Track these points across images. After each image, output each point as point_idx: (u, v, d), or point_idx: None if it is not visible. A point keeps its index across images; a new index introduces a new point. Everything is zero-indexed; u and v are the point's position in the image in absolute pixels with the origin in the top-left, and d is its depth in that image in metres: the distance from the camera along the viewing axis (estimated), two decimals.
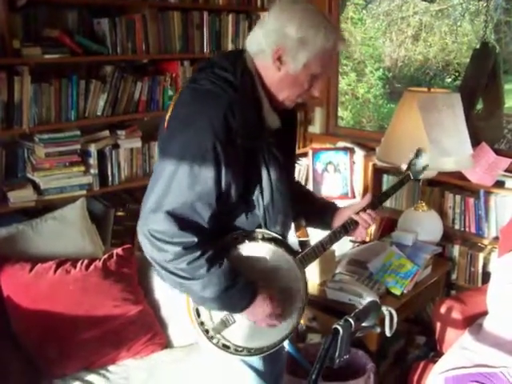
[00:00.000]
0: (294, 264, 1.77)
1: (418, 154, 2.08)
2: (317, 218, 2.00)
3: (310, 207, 2.01)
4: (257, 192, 1.67)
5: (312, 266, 1.89)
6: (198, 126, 1.53)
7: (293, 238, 1.86)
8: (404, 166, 2.09)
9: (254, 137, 1.61)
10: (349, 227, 1.91)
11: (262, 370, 1.81)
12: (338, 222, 1.94)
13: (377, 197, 2.01)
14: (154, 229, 1.52)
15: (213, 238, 1.62)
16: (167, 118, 1.68)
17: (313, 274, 2.62)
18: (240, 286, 1.60)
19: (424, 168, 2.10)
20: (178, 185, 1.52)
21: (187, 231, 1.52)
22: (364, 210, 1.91)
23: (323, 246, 1.86)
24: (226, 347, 1.69)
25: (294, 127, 1.95)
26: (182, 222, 1.52)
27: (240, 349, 1.70)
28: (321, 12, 1.66)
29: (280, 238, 1.76)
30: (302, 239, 1.87)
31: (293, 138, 1.96)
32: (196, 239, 1.53)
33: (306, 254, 1.81)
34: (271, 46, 1.60)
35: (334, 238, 1.89)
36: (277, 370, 1.96)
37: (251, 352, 1.73)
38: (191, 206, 1.53)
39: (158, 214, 1.52)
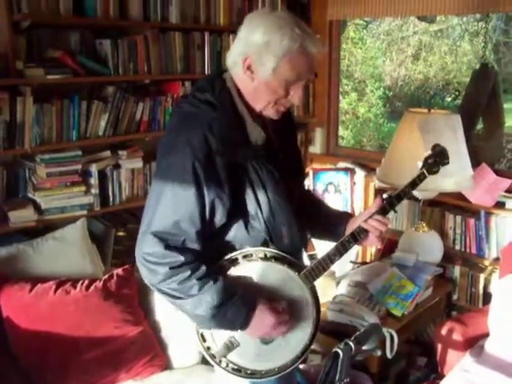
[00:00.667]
0: (299, 280, 1.71)
1: (435, 150, 1.89)
2: (330, 227, 1.91)
3: (322, 217, 1.95)
4: (255, 207, 1.65)
5: None
6: (178, 148, 1.57)
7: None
8: (420, 164, 1.90)
9: (238, 153, 1.61)
10: (358, 236, 1.78)
11: None
12: (350, 231, 1.81)
13: (387, 201, 1.83)
14: (144, 251, 1.57)
15: (212, 258, 1.63)
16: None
17: None
18: (234, 302, 1.59)
19: (443, 163, 1.90)
20: (162, 206, 1.57)
21: (173, 251, 1.55)
22: (371, 216, 1.78)
23: (330, 258, 1.75)
24: (237, 371, 1.67)
25: (292, 133, 1.94)
26: (168, 242, 1.56)
27: (250, 371, 1.67)
28: (295, 18, 1.61)
29: (282, 255, 1.70)
30: (310, 253, 1.84)
31: (292, 139, 1.93)
32: (182, 258, 1.55)
33: (311, 269, 1.72)
34: (240, 55, 1.61)
35: (343, 248, 1.77)
36: None
37: (263, 375, 1.69)
38: (176, 225, 1.56)
39: (147, 236, 1.57)
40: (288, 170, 1.77)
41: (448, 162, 1.91)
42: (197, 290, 1.55)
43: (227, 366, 1.67)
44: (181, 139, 1.57)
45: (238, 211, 1.64)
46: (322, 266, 1.75)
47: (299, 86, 1.64)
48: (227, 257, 1.68)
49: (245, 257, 1.69)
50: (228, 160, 1.58)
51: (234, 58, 1.64)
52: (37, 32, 2.71)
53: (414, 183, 1.88)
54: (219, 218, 1.62)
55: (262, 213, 1.66)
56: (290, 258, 1.72)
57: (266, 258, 1.69)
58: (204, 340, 1.67)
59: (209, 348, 1.67)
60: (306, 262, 1.80)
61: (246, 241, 1.69)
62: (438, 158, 1.89)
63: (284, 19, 1.58)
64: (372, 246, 1.94)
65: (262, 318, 1.62)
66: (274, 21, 1.57)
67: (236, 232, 1.68)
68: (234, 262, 1.68)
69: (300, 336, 1.72)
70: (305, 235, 1.85)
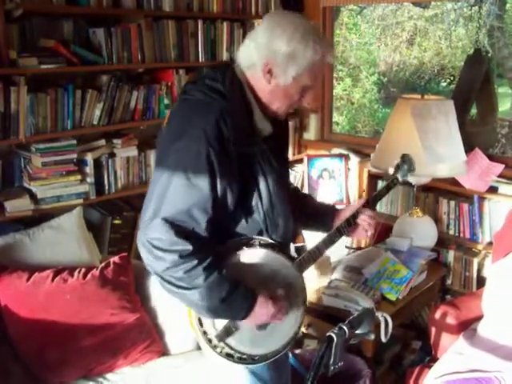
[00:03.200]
0: (293, 269, 1.78)
1: (403, 158, 2.16)
2: (317, 220, 2.02)
3: (309, 210, 2.03)
4: (255, 198, 1.69)
5: (308, 272, 1.90)
6: (192, 134, 1.56)
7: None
8: (391, 171, 2.15)
9: (247, 143, 1.64)
10: (343, 230, 1.93)
11: (266, 378, 1.82)
12: (337, 223, 1.96)
13: (369, 201, 2.04)
14: (151, 237, 1.54)
15: (213, 245, 1.63)
16: (163, 129, 1.72)
17: (309, 281, 2.63)
18: (240, 293, 1.61)
19: (409, 170, 2.16)
20: (174, 192, 1.55)
21: (183, 239, 1.53)
22: (361, 210, 1.95)
23: (319, 250, 1.88)
24: (229, 356, 1.69)
25: (286, 134, 1.98)
26: (179, 228, 1.54)
27: (244, 356, 1.70)
28: (310, 24, 1.69)
29: (277, 244, 1.76)
30: (298, 244, 1.89)
31: (285, 145, 1.98)
32: (191, 247, 1.53)
33: (303, 259, 1.82)
34: (261, 59, 1.64)
35: (330, 241, 1.91)
36: (283, 379, 1.96)
37: (255, 360, 1.73)
38: (188, 212, 1.55)
39: (156, 221, 1.54)
40: (281, 166, 1.85)
41: (414, 170, 2.17)
42: (203, 280, 1.54)
43: (221, 351, 1.69)
44: (193, 126, 1.57)
45: (239, 201, 1.66)
46: (312, 256, 1.85)
47: (313, 90, 1.73)
48: (227, 243, 1.70)
49: (245, 244, 1.71)
50: (238, 149, 1.60)
51: (252, 60, 1.67)
52: (29, 21, 2.70)
53: (389, 187, 2.13)
54: (228, 207, 1.64)
55: (262, 204, 1.70)
56: (283, 248, 1.79)
57: (263, 246, 1.73)
58: (201, 325, 1.68)
59: (205, 332, 1.69)
60: (292, 253, 1.87)
61: (243, 230, 1.72)
62: (406, 166, 2.15)
63: (303, 27, 1.64)
64: (358, 238, 2.05)
65: (264, 307, 1.64)
66: (295, 30, 1.62)
67: (236, 222, 1.71)
68: (234, 247, 1.69)
69: (292, 322, 1.78)
70: (296, 228, 1.89)
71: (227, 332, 1.67)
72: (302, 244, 1.89)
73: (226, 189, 1.59)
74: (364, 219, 1.95)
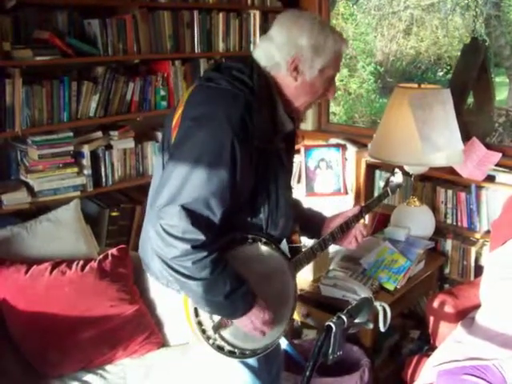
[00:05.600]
0: (288, 269, 1.80)
1: (393, 173, 2.34)
2: (307, 226, 2.05)
3: (300, 215, 2.03)
4: (264, 196, 1.69)
5: None
6: (217, 123, 1.54)
7: (284, 243, 1.89)
8: (382, 184, 2.31)
9: (268, 140, 1.64)
10: (336, 236, 1.99)
11: (258, 368, 1.83)
12: (325, 230, 2.01)
13: (361, 210, 2.10)
14: (166, 223, 1.51)
15: (221, 237, 1.63)
16: (177, 116, 1.67)
17: (307, 271, 2.63)
18: (244, 290, 1.61)
19: (398, 186, 2.36)
20: (194, 180, 1.52)
21: (198, 228, 1.51)
22: (356, 220, 2.04)
23: (314, 252, 1.93)
24: (220, 349, 1.69)
25: (295, 135, 1.97)
26: (195, 217, 1.52)
27: (234, 350, 1.71)
28: (322, 19, 1.79)
29: (276, 242, 1.78)
30: (295, 245, 1.91)
31: (293, 146, 1.98)
32: (204, 238, 1.52)
33: (299, 259, 1.86)
34: (286, 58, 1.66)
35: (324, 245, 1.97)
36: (275, 368, 1.98)
37: (245, 354, 1.74)
38: (205, 201, 1.53)
39: (173, 207, 1.51)
40: (291, 167, 1.91)
41: (401, 185, 2.46)
42: (209, 272, 1.53)
43: (213, 343, 1.68)
44: (219, 114, 1.55)
45: (248, 197, 1.66)
46: (307, 258, 1.91)
47: (334, 81, 1.77)
48: (229, 236, 1.68)
49: (246, 239, 1.71)
50: (259, 145, 1.60)
51: (275, 60, 1.68)
52: (23, 12, 2.68)
53: (380, 199, 2.26)
54: (240, 201, 1.63)
55: (268, 204, 1.70)
56: (280, 247, 1.81)
57: (263, 243, 1.74)
58: (197, 315, 1.68)
59: (200, 323, 1.68)
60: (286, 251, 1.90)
61: (246, 226, 1.72)
62: (395, 180, 2.32)
63: (318, 21, 1.70)
64: (347, 247, 2.09)
65: (260, 312, 1.65)
66: (313, 25, 1.67)
67: (240, 217, 1.70)
68: (236, 242, 1.69)
69: (283, 321, 1.80)
70: (290, 227, 1.88)
71: (223, 324, 1.67)
72: (298, 245, 1.91)
73: (244, 181, 1.59)
74: (357, 228, 2.04)
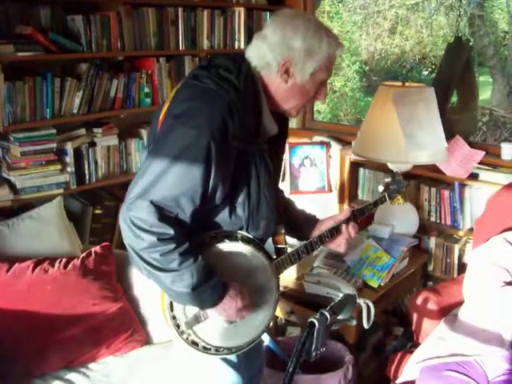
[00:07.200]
0: (270, 268, 1.79)
1: (394, 177, 2.24)
2: (297, 228, 2.03)
3: (291, 217, 2.03)
4: (244, 196, 1.68)
5: None
6: (196, 123, 1.54)
7: (270, 243, 1.88)
8: (381, 188, 2.21)
9: (249, 141, 1.63)
10: (325, 239, 1.96)
11: (238, 364, 1.83)
12: (315, 233, 1.98)
13: (354, 213, 2.05)
14: (135, 215, 1.53)
15: (193, 233, 1.63)
16: (163, 112, 1.67)
17: (291, 268, 2.63)
18: (212, 284, 1.61)
19: (398, 191, 2.24)
20: (167, 177, 1.53)
21: (166, 223, 1.53)
22: (347, 222, 1.98)
23: (299, 254, 1.90)
24: (194, 344, 1.70)
25: (286, 132, 1.95)
26: (163, 213, 1.53)
27: (208, 347, 1.71)
28: (318, 21, 1.72)
29: (258, 242, 1.78)
30: (279, 246, 1.90)
31: (283, 144, 1.97)
32: (172, 232, 1.53)
33: (282, 260, 1.85)
34: (277, 59, 1.63)
35: (311, 248, 1.94)
36: (256, 365, 1.99)
37: (219, 351, 1.74)
38: (175, 200, 1.54)
39: (142, 201, 1.53)
40: (277, 167, 1.89)
41: (401, 191, 2.28)
42: (177, 264, 1.55)
43: (187, 338, 1.69)
44: (199, 115, 1.54)
45: (228, 196, 1.66)
46: (291, 260, 1.88)
47: (325, 84, 1.74)
48: (208, 233, 1.70)
49: (228, 236, 1.71)
50: (239, 146, 1.59)
51: (267, 60, 1.65)
52: (4, 7, 2.65)
53: (376, 203, 2.17)
54: (216, 201, 1.63)
55: (249, 203, 1.69)
56: (263, 247, 1.80)
57: (244, 241, 1.74)
58: (171, 309, 1.68)
59: (174, 317, 1.69)
60: (271, 253, 1.89)
61: (226, 224, 1.72)
62: (395, 186, 2.21)
63: (313, 22, 1.66)
64: (336, 249, 2.06)
65: (232, 301, 1.65)
66: (308, 26, 1.63)
67: (219, 215, 1.70)
68: (214, 239, 1.70)
69: (262, 318, 1.80)
70: (275, 231, 1.89)
71: (197, 319, 1.68)
72: (283, 246, 1.90)
73: (218, 183, 1.58)
74: (348, 231, 1.97)
